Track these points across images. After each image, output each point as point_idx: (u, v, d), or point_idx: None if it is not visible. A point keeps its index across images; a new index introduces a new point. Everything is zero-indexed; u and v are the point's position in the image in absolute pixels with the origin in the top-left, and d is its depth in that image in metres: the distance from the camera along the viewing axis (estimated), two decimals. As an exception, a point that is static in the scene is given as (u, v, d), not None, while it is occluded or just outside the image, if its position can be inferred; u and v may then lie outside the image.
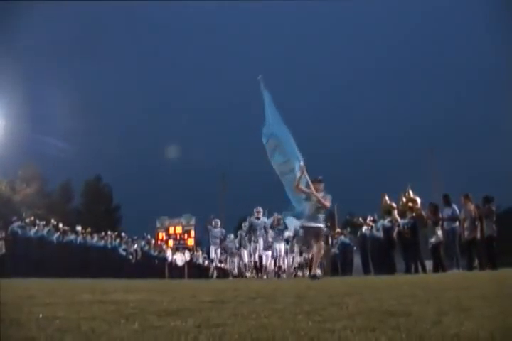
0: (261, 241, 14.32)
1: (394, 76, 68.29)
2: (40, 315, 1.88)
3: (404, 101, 66.78)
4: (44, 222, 15.40)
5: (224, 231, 15.99)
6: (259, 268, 14.77)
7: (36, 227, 14.73)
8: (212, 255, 15.81)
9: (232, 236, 16.79)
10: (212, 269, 17.31)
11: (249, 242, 15.16)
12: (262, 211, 14.29)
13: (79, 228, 16.76)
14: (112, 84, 69.47)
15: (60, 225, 15.94)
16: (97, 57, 70.08)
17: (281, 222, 14.03)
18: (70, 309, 2.18)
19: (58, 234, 15.44)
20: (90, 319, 1.78)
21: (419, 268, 10.83)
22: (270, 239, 14.96)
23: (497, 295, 2.52)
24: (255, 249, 14.52)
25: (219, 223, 15.83)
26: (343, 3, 66.60)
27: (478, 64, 55.80)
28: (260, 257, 14.42)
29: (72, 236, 16.04)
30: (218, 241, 15.60)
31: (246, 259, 15.63)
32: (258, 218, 14.27)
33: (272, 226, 14.65)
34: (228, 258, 16.95)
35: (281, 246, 15.03)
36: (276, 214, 14.58)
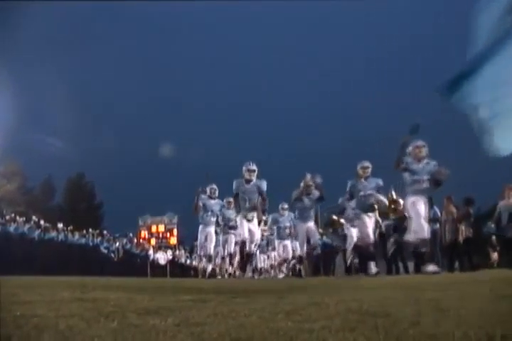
0: (255, 220, 9.01)
1: (391, 76, 68.81)
2: (18, 313, 1.86)
3: (396, 101, 67.24)
4: (25, 219, 15.24)
5: (223, 203, 10.63)
6: (244, 261, 9.77)
7: (17, 224, 14.56)
8: (206, 241, 10.56)
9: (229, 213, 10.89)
10: (204, 263, 11.33)
11: (231, 223, 10.58)
12: (256, 170, 8.69)
13: (60, 225, 16.61)
14: (100, 81, 68.97)
15: (42, 222, 15.78)
16: (88, 53, 69.51)
17: (312, 190, 9.40)
18: (48, 307, 2.16)
19: (39, 231, 15.28)
20: (69, 317, 1.77)
21: (401, 269, 10.92)
22: (288, 223, 10.90)
23: (474, 295, 2.55)
24: (240, 233, 9.15)
25: (217, 192, 10.46)
26: (343, 3, 66.98)
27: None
28: (243, 243, 9.09)
29: (53, 234, 15.89)
30: (215, 219, 10.55)
31: (231, 248, 10.79)
32: (249, 181, 8.67)
33: (298, 199, 9.49)
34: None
35: (310, 227, 9.66)
36: (308, 175, 9.40)
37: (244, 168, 8.69)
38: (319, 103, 75.13)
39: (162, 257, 21.61)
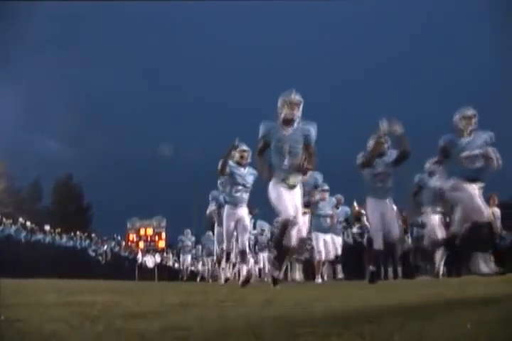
0: (298, 190, 5.15)
1: (392, 76, 69.15)
2: (2, 317, 1.84)
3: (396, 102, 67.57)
4: (11, 221, 15.10)
5: (253, 176, 6.77)
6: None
7: (3, 226, 14.42)
8: (234, 230, 7.07)
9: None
10: (223, 264, 8.30)
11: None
12: (302, 102, 5.13)
13: (48, 227, 16.48)
14: (92, 83, 68.75)
15: (28, 224, 15.65)
16: (84, 54, 69.33)
17: (386, 149, 6.27)
18: (33, 310, 2.13)
19: (26, 233, 15.15)
20: (53, 321, 1.75)
21: (390, 274, 10.96)
22: (330, 210, 8.41)
23: (460, 301, 2.57)
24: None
25: (249, 155, 6.71)
26: (344, 3, 67.42)
27: (480, 65, 56.68)
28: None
29: (40, 236, 15.77)
30: (247, 196, 6.97)
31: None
32: (291, 121, 5.11)
33: (366, 164, 6.30)
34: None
35: (389, 210, 6.25)
36: (382, 125, 6.01)
37: (282, 99, 5.07)
38: (319, 103, 75.38)
39: (150, 260, 21.52)
